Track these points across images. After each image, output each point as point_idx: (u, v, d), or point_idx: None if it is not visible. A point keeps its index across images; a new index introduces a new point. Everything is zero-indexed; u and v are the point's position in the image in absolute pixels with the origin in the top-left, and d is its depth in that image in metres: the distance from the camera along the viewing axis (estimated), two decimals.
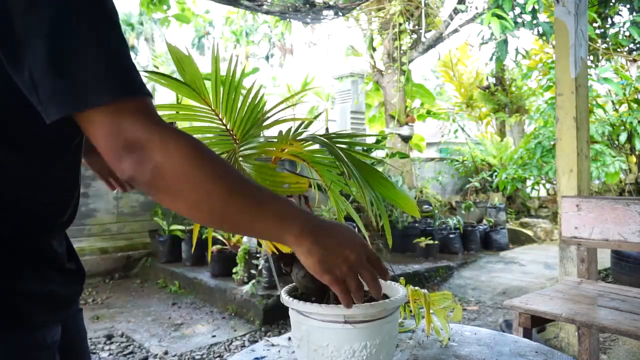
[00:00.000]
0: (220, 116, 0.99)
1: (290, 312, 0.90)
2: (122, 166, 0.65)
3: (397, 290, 0.93)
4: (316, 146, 0.92)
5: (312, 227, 0.73)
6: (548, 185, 7.15)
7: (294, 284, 0.94)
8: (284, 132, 0.93)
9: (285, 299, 0.89)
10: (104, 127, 0.64)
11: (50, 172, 0.76)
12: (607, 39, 5.19)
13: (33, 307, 0.76)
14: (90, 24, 0.64)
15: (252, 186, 0.72)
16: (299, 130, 0.94)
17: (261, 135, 0.99)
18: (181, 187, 0.66)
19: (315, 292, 0.90)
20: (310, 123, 0.97)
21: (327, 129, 6.96)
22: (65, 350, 0.88)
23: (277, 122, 0.95)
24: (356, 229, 0.95)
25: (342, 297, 0.75)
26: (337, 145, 0.91)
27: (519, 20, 4.67)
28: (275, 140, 0.92)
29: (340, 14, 5.13)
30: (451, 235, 5.69)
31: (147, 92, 0.68)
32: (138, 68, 0.70)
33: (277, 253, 0.92)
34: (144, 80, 0.72)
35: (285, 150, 0.92)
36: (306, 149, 0.93)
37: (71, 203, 0.83)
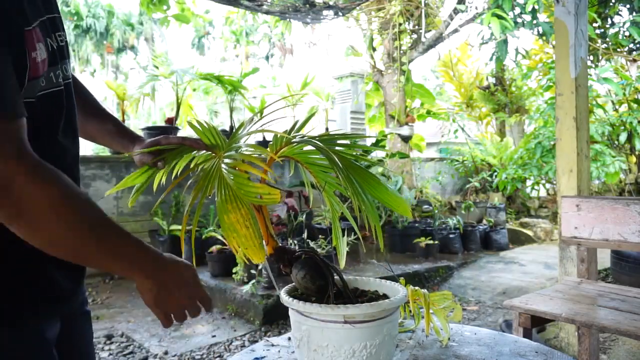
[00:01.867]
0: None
1: (290, 312, 0.90)
2: None
3: (397, 291, 0.93)
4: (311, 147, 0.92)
5: (154, 270, 0.80)
6: (548, 185, 7.15)
7: (293, 284, 0.94)
8: (278, 133, 0.93)
9: (285, 299, 0.89)
10: None
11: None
12: (607, 39, 5.19)
13: (33, 301, 0.78)
14: None
15: (108, 231, 0.75)
16: (293, 133, 0.94)
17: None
18: (39, 226, 0.66)
19: (315, 293, 0.90)
20: (304, 124, 0.96)
21: (327, 129, 6.96)
22: (68, 351, 0.88)
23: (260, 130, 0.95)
24: (352, 231, 0.95)
25: (166, 324, 0.84)
26: (333, 146, 0.91)
27: (519, 20, 4.67)
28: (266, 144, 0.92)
29: (340, 14, 5.13)
30: (451, 235, 5.69)
31: (16, 113, 0.64)
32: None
33: (275, 255, 0.92)
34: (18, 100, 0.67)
35: (279, 153, 0.92)
36: (303, 149, 0.92)
37: None
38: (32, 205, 0.65)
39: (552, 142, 5.33)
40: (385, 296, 0.95)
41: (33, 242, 0.68)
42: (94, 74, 20.84)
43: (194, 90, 7.18)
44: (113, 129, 1.07)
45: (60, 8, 0.86)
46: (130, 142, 1.06)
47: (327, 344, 0.83)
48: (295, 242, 3.83)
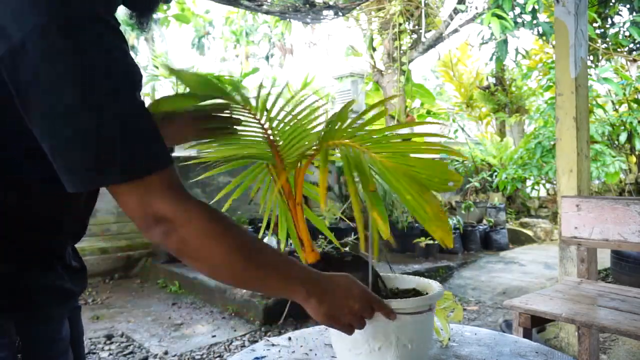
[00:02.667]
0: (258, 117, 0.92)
1: None
2: (151, 235, 0.71)
3: (432, 287, 0.97)
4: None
5: (314, 287, 0.81)
6: (548, 185, 7.14)
7: None
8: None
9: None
10: (133, 200, 0.68)
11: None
12: (607, 39, 5.18)
13: (48, 301, 0.80)
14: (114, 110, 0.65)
15: (264, 255, 0.79)
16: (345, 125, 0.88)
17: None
18: (203, 256, 0.73)
19: None
20: (347, 109, 0.88)
21: None
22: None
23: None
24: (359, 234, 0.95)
25: (349, 333, 0.85)
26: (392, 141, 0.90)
27: (519, 20, 4.66)
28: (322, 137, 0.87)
29: (340, 14, 5.13)
30: None
31: (169, 160, 0.71)
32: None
33: (323, 261, 0.92)
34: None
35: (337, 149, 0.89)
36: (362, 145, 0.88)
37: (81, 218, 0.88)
38: (195, 240, 0.72)
39: (552, 142, 5.33)
40: (417, 292, 0.98)
41: (202, 271, 0.75)
42: None
43: None
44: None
45: None
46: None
47: (416, 335, 0.88)
48: None
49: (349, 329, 0.85)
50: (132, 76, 0.68)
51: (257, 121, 0.90)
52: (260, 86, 0.87)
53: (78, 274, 0.88)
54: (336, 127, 0.84)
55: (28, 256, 0.76)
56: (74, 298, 0.88)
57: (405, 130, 0.92)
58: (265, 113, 0.89)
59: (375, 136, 0.88)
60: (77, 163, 0.64)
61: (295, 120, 0.91)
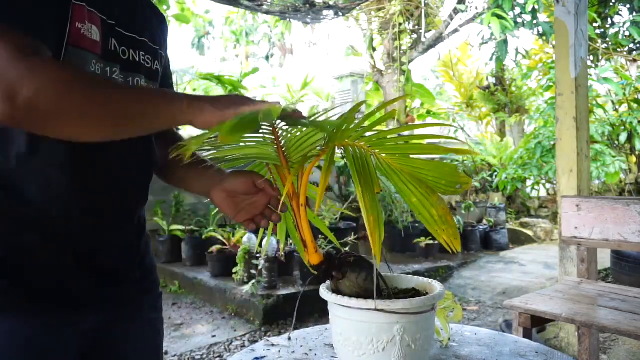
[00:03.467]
0: None
1: (338, 310, 0.90)
2: None
3: (434, 287, 0.96)
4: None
5: (196, 97, 0.73)
6: (548, 185, 7.14)
7: (325, 285, 0.94)
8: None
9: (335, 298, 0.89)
10: None
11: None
12: (607, 39, 5.18)
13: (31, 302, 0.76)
14: None
15: (127, 88, 0.75)
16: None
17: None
18: (61, 112, 0.63)
19: (370, 293, 0.88)
20: (356, 109, 0.84)
21: None
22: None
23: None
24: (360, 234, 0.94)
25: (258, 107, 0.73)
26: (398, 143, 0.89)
27: (519, 20, 4.67)
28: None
29: (340, 14, 5.13)
30: None
31: (19, 20, 0.65)
32: None
33: (327, 262, 0.91)
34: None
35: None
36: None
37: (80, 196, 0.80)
38: (47, 95, 0.62)
39: (552, 142, 5.33)
40: (417, 292, 0.98)
41: (69, 130, 0.66)
42: None
43: (194, 90, 7.18)
44: (197, 175, 0.97)
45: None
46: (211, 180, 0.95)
47: (420, 334, 0.87)
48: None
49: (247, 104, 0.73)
50: None
51: (269, 123, 0.89)
52: (313, 109, 0.85)
53: (109, 277, 0.82)
54: (343, 128, 0.83)
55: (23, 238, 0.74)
56: (90, 305, 0.82)
57: (421, 131, 0.90)
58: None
59: (388, 136, 0.87)
60: None
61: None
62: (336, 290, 0.91)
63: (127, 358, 0.92)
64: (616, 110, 5.58)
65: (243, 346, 3.15)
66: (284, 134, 0.88)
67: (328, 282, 0.93)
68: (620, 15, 5.28)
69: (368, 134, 0.86)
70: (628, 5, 5.02)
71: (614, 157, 4.99)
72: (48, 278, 0.77)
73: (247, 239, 3.91)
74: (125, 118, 0.69)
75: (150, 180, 0.96)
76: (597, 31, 5.13)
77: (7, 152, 0.73)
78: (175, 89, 0.67)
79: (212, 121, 0.71)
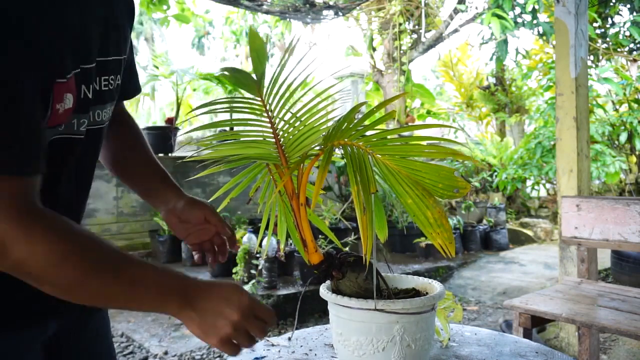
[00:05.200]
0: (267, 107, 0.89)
1: (338, 310, 0.90)
2: None
3: (434, 287, 0.96)
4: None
5: (188, 295, 0.72)
6: (548, 185, 7.15)
7: (326, 285, 0.94)
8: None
9: (335, 297, 0.89)
10: None
11: None
12: (607, 39, 5.18)
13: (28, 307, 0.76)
14: None
15: (126, 263, 0.70)
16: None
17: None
18: (47, 280, 0.64)
19: (369, 292, 0.89)
20: (356, 110, 0.86)
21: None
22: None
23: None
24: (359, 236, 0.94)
25: (230, 352, 0.75)
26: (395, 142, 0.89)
27: (519, 20, 4.67)
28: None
29: (340, 14, 5.13)
30: None
31: (26, 170, 0.63)
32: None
33: (327, 261, 0.90)
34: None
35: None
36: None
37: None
38: (37, 264, 0.63)
39: (552, 142, 5.33)
40: (415, 290, 0.98)
41: (51, 292, 0.66)
42: None
43: (194, 90, 7.18)
44: (154, 192, 1.04)
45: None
46: (171, 200, 1.01)
47: (420, 335, 0.88)
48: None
49: (230, 347, 0.74)
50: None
51: (268, 120, 0.89)
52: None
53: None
54: (343, 127, 0.83)
55: None
56: (48, 320, 0.81)
57: (423, 132, 0.90)
58: (276, 112, 0.88)
59: (387, 137, 0.87)
60: None
61: (302, 119, 0.90)
62: (336, 290, 0.91)
63: (88, 350, 0.94)
64: (616, 110, 5.58)
65: None
66: (284, 131, 0.88)
67: (328, 282, 0.93)
68: (621, 15, 5.28)
69: (367, 133, 0.86)
70: (628, 5, 5.02)
71: (614, 157, 4.99)
72: (11, 300, 0.76)
73: (247, 239, 3.91)
74: (110, 303, 0.73)
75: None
76: (597, 31, 5.13)
77: None
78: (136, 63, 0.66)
79: (194, 333, 0.73)
